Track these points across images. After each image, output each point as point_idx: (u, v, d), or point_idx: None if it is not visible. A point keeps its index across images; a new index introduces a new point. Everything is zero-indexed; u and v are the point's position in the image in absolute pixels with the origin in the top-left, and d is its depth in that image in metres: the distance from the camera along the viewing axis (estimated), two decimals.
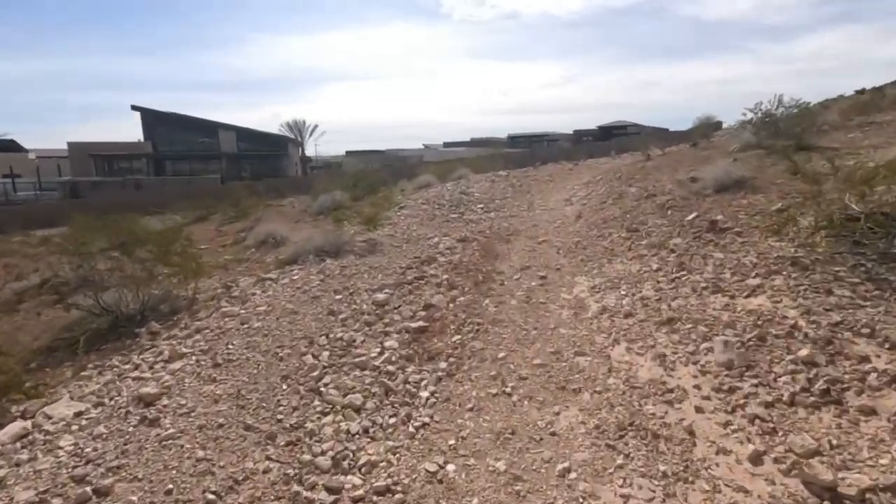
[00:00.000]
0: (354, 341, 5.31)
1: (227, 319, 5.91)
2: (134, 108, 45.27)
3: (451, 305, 6.15)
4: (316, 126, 53.12)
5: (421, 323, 5.60)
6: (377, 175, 18.24)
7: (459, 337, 5.28)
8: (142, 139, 45.58)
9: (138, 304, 6.72)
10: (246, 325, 5.65)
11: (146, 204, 28.04)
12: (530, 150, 60.34)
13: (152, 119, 45.48)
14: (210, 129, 46.65)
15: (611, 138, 69.23)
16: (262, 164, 47.81)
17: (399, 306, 6.16)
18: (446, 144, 69.53)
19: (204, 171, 45.44)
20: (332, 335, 5.41)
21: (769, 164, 9.50)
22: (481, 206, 12.13)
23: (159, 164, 45.62)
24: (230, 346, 5.17)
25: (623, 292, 5.81)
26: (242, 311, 6.09)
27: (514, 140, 70.72)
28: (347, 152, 67.50)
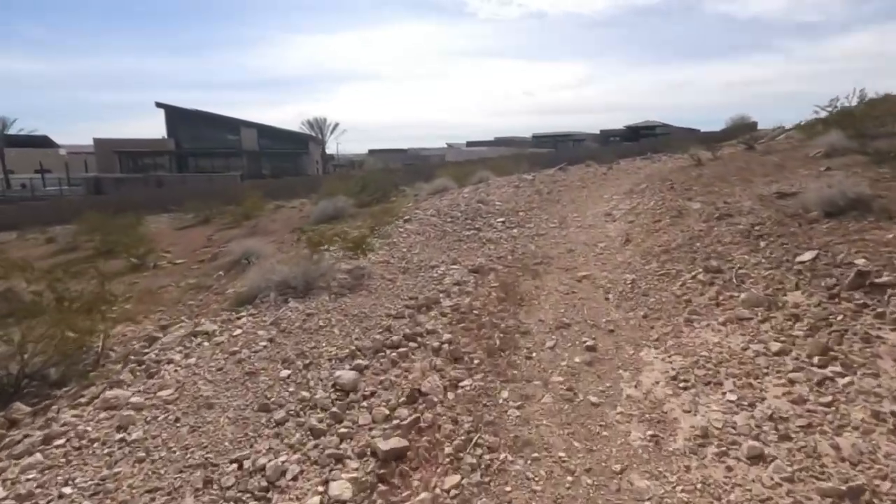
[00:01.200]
0: (283, 475, 3.08)
1: (102, 416, 3.74)
2: (158, 104, 44.18)
3: (450, 396, 3.87)
4: (337, 124, 51.25)
5: (397, 440, 3.33)
6: (388, 177, 16.04)
7: (457, 480, 2.99)
8: (165, 136, 44.51)
9: (20, 367, 4.63)
10: (120, 437, 3.46)
11: (165, 201, 26.67)
12: (556, 150, 57.40)
13: (176, 116, 44.33)
14: (232, 126, 45.29)
15: (639, 139, 65.73)
16: (283, 161, 46.27)
17: (372, 394, 3.92)
18: (469, 144, 67.11)
19: (226, 169, 44.15)
20: (249, 461, 3.19)
21: (890, 177, 6.93)
22: (502, 219, 9.78)
23: (182, 161, 44.48)
24: (66, 490, 2.98)
25: (730, 395, 3.43)
26: (134, 399, 3.91)
27: (538, 140, 67.96)
28: (370, 151, 65.75)
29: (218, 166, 44.42)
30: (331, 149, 54.33)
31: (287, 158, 46.34)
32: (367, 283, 6.33)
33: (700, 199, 8.25)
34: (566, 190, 13.34)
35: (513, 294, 5.93)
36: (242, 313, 5.57)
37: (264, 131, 45.98)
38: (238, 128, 45.37)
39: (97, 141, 42.64)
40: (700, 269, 5.58)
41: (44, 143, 51.71)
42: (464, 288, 6.10)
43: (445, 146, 68.34)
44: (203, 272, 8.96)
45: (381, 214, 9.35)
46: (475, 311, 5.37)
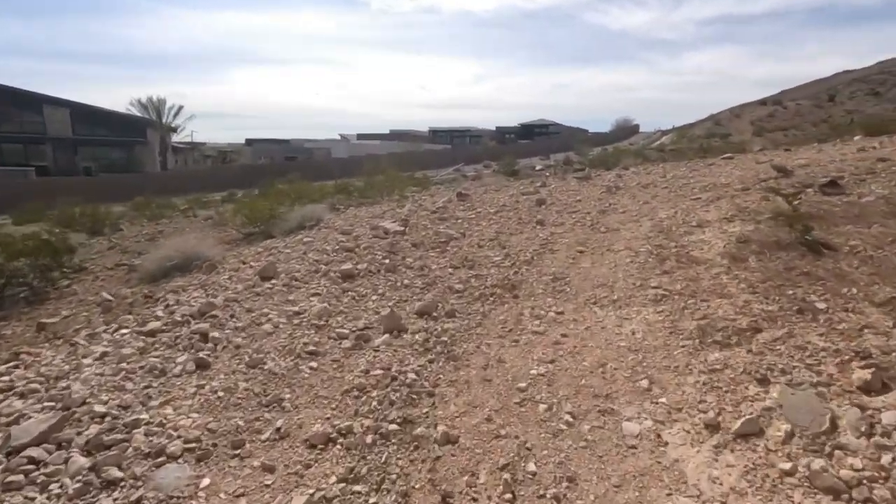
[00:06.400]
0: None
1: None
2: None
3: None
4: (181, 107, 36.04)
5: None
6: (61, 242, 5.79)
7: None
8: None
9: None
10: None
11: None
12: (452, 147, 48.78)
13: None
14: (32, 103, 30.31)
15: (533, 137, 59.51)
16: (110, 152, 32.40)
17: None
18: (360, 136, 56.11)
19: (23, 159, 29.47)
20: None
21: None
22: None
23: None
24: None
25: None
26: None
27: (435, 134, 58.88)
28: (247, 140, 52.17)
29: (10, 156, 29.56)
30: (187, 137, 40.39)
31: (117, 148, 32.53)
32: None
33: None
34: (477, 336, 4.18)
35: None
36: None
37: (81, 113, 31.58)
38: (40, 106, 30.52)
39: None
40: None
41: None
42: None
43: (338, 137, 56.68)
44: None
45: None
46: None
